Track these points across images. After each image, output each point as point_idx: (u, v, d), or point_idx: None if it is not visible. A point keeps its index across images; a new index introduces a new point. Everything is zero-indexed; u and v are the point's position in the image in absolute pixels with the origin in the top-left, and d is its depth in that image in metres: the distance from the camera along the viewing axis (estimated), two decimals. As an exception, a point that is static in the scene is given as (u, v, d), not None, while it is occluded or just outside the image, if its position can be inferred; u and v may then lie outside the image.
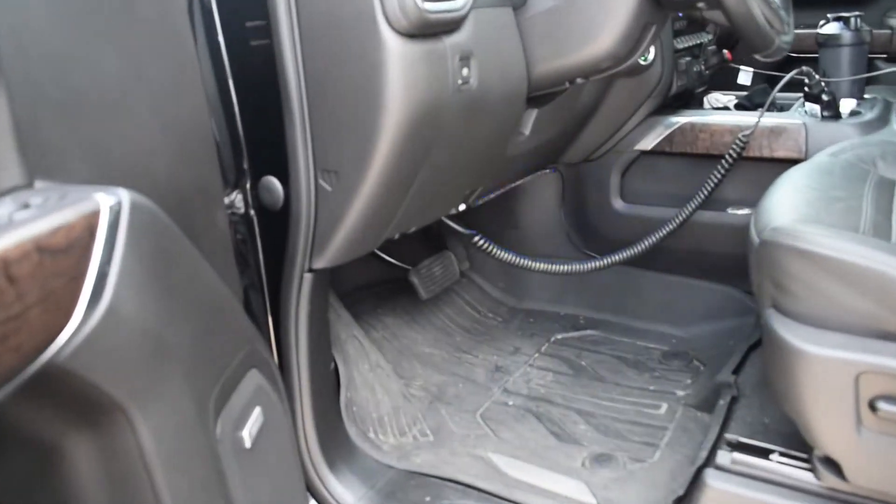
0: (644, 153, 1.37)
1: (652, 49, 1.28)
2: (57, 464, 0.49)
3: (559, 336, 1.44)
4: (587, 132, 1.36)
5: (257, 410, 0.67)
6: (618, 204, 1.42)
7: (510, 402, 1.24)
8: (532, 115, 1.12)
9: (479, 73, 0.88)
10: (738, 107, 1.52)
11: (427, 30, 0.79)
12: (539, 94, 1.09)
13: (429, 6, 0.76)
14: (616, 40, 0.97)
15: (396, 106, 0.79)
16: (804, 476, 0.83)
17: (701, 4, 0.95)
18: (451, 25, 0.82)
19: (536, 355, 1.38)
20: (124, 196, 0.47)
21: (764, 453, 0.87)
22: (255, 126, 0.88)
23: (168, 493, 0.54)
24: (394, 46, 0.77)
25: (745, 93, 1.47)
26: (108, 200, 0.45)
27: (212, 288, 0.61)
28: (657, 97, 1.33)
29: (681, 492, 0.91)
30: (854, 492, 0.79)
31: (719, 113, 1.36)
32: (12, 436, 0.47)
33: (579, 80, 1.07)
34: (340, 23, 0.79)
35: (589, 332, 1.44)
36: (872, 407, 0.73)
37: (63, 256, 0.41)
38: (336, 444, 1.03)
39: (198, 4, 0.83)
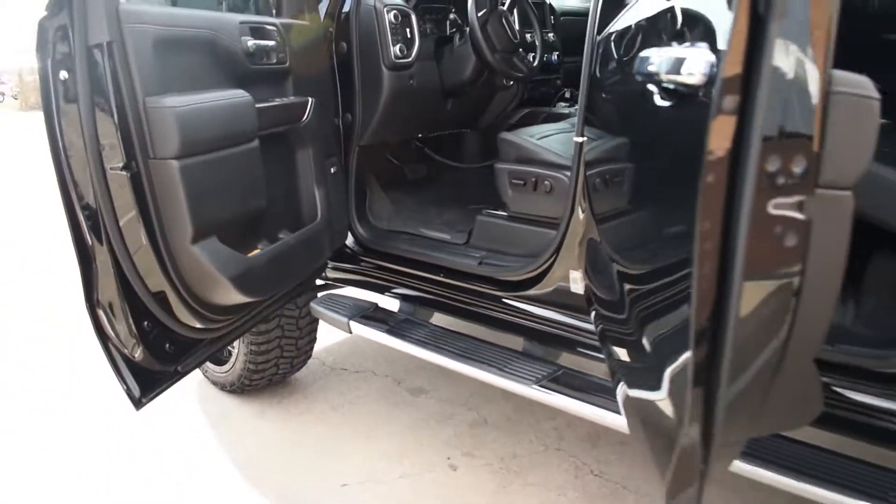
0: (511, 124, 3.10)
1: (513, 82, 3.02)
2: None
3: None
4: (487, 114, 3.10)
5: (334, 168, 2.45)
6: (503, 145, 3.15)
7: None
8: (450, 101, 2.87)
9: (417, 82, 2.65)
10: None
11: (396, 69, 2.57)
12: (453, 92, 2.85)
13: (398, 61, 2.54)
14: (470, 75, 2.73)
15: (384, 89, 2.56)
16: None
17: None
18: (406, 66, 2.60)
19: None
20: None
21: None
22: (344, 94, 2.66)
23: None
24: (385, 73, 2.55)
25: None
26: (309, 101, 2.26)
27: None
28: (516, 99, 3.06)
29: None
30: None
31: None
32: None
33: (466, 89, 2.84)
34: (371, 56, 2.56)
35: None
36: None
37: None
38: (362, 216, 2.78)
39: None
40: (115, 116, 1.53)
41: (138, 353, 1.70)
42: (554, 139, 2.46)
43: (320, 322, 2.94)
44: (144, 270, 1.67)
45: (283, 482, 2.52)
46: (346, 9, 2.50)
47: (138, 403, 1.77)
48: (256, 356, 2.88)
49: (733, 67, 0.74)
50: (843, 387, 1.74)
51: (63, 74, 1.52)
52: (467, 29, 2.63)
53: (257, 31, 1.99)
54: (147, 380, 1.77)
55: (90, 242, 1.62)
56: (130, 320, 1.67)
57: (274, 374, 3.01)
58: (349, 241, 2.72)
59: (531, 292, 2.18)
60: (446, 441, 2.78)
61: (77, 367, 3.35)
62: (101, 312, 1.66)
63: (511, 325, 2.35)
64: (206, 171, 1.69)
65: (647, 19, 1.34)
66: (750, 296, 0.84)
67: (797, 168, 0.79)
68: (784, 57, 0.77)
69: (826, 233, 0.87)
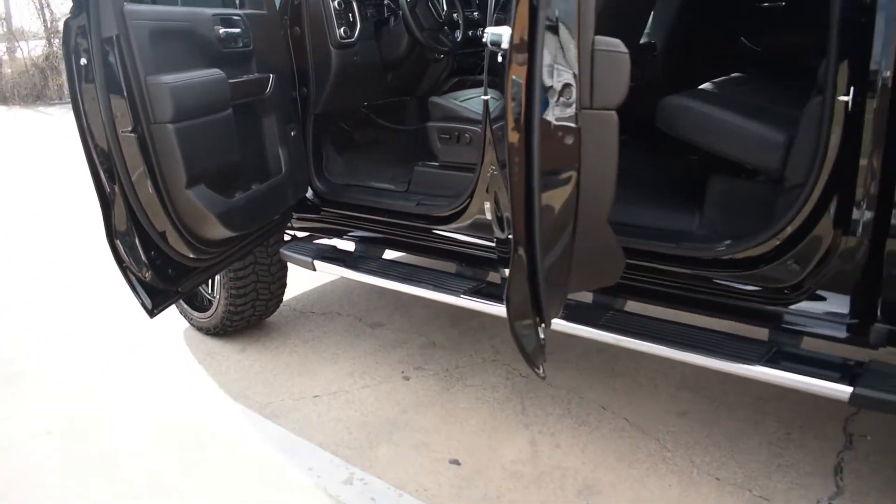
0: (443, 91, 3.63)
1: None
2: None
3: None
4: (423, 82, 3.63)
5: (293, 132, 2.96)
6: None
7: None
8: (389, 74, 3.39)
9: (361, 59, 3.17)
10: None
11: (342, 47, 3.08)
12: (391, 66, 3.37)
13: (343, 41, 3.06)
14: (404, 51, 3.25)
15: (333, 65, 3.07)
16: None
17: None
18: (350, 45, 3.11)
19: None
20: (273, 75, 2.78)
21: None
22: (301, 73, 3.16)
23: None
24: (333, 51, 3.06)
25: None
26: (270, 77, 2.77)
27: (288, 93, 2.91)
28: (447, 69, 3.59)
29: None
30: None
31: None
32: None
33: (402, 62, 3.36)
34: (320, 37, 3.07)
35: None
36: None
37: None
38: (320, 174, 3.29)
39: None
40: (124, 91, 2.03)
41: (148, 275, 2.22)
42: (474, 100, 3.00)
43: (289, 270, 3.46)
44: (151, 211, 2.18)
45: (264, 398, 3.06)
46: (297, -1, 2.99)
47: (151, 313, 2.30)
48: (236, 299, 3.38)
49: (518, 37, 1.28)
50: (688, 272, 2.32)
51: (83, 61, 2.01)
52: (400, 11, 3.14)
53: (226, 21, 2.49)
54: (156, 296, 2.29)
55: (108, 189, 2.13)
56: (140, 250, 2.18)
57: (251, 315, 3.51)
58: (310, 194, 3.22)
59: (457, 224, 2.73)
60: (400, 360, 3.34)
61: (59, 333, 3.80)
62: (118, 243, 2.17)
63: (445, 253, 2.90)
64: (194, 133, 2.19)
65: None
66: (546, 183, 1.40)
67: (567, 97, 1.35)
68: (555, 31, 1.32)
69: (599, 138, 1.44)
